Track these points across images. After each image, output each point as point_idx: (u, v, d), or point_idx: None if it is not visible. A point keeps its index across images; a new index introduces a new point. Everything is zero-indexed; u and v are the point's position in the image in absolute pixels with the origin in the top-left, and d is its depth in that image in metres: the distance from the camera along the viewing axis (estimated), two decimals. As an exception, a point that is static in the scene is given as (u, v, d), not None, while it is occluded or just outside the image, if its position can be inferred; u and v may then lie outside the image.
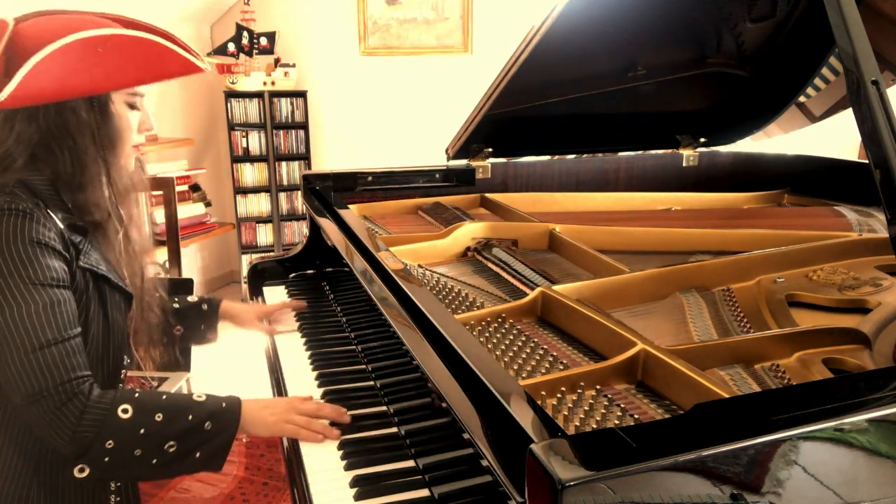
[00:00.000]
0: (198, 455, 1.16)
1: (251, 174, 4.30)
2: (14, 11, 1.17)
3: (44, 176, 1.16)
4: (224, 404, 1.20)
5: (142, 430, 1.11)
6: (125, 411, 1.10)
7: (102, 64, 1.11)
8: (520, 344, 1.20)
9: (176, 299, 1.60)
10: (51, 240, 1.11)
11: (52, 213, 1.15)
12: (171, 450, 1.13)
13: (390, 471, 1.15)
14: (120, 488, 1.22)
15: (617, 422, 0.97)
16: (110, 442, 1.09)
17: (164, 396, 1.17)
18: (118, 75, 1.14)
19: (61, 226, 1.15)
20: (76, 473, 1.12)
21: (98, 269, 1.19)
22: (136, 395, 1.14)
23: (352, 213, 1.74)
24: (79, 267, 1.16)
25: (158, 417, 1.12)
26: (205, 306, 1.61)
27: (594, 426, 0.95)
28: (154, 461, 1.13)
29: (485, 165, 2.19)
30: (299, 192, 4.26)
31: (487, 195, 2.12)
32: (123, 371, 1.27)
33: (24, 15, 1.17)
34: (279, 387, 1.49)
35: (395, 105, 4.44)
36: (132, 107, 1.24)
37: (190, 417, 1.15)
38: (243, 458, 1.41)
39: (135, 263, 1.31)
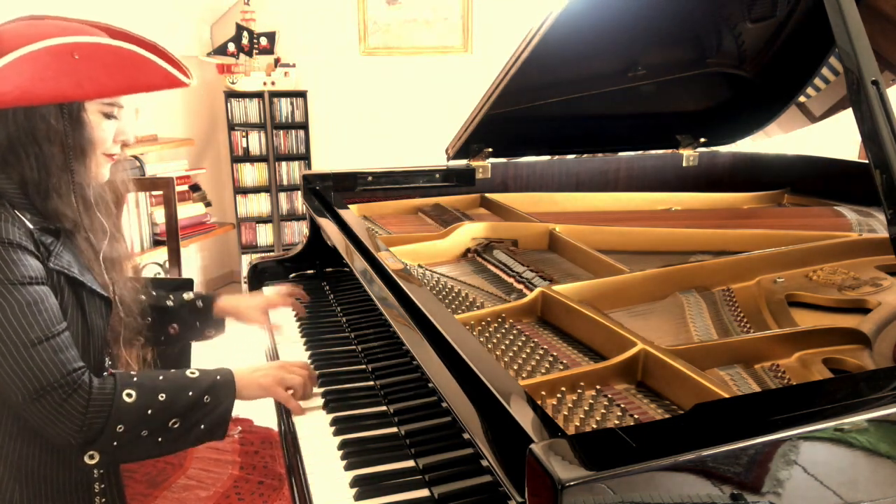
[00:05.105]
0: (201, 427, 1.20)
1: (251, 174, 4.30)
2: (13, 13, 1.17)
3: (12, 180, 1.14)
4: (218, 377, 1.25)
5: (148, 411, 1.14)
6: (129, 395, 1.14)
7: (74, 72, 1.09)
8: (520, 344, 1.20)
9: (170, 297, 1.57)
10: (21, 238, 1.10)
11: (19, 214, 1.13)
12: (176, 426, 1.17)
13: (390, 471, 1.15)
14: (104, 489, 1.22)
15: (617, 422, 0.96)
16: (120, 426, 1.12)
17: (161, 377, 1.20)
18: (90, 85, 1.11)
19: (30, 226, 1.14)
20: (86, 460, 1.15)
21: (70, 271, 1.17)
22: (135, 378, 1.17)
23: (352, 213, 1.74)
24: (50, 268, 1.14)
25: (161, 397, 1.16)
26: (199, 303, 1.59)
27: (594, 426, 0.95)
28: (160, 439, 1.17)
29: (485, 165, 2.19)
30: (299, 192, 4.26)
31: (487, 195, 2.12)
32: (106, 373, 1.26)
33: (12, 20, 1.15)
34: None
35: (395, 105, 4.44)
36: (108, 116, 1.21)
37: (190, 394, 1.19)
38: (237, 456, 1.41)
39: (111, 272, 1.29)
